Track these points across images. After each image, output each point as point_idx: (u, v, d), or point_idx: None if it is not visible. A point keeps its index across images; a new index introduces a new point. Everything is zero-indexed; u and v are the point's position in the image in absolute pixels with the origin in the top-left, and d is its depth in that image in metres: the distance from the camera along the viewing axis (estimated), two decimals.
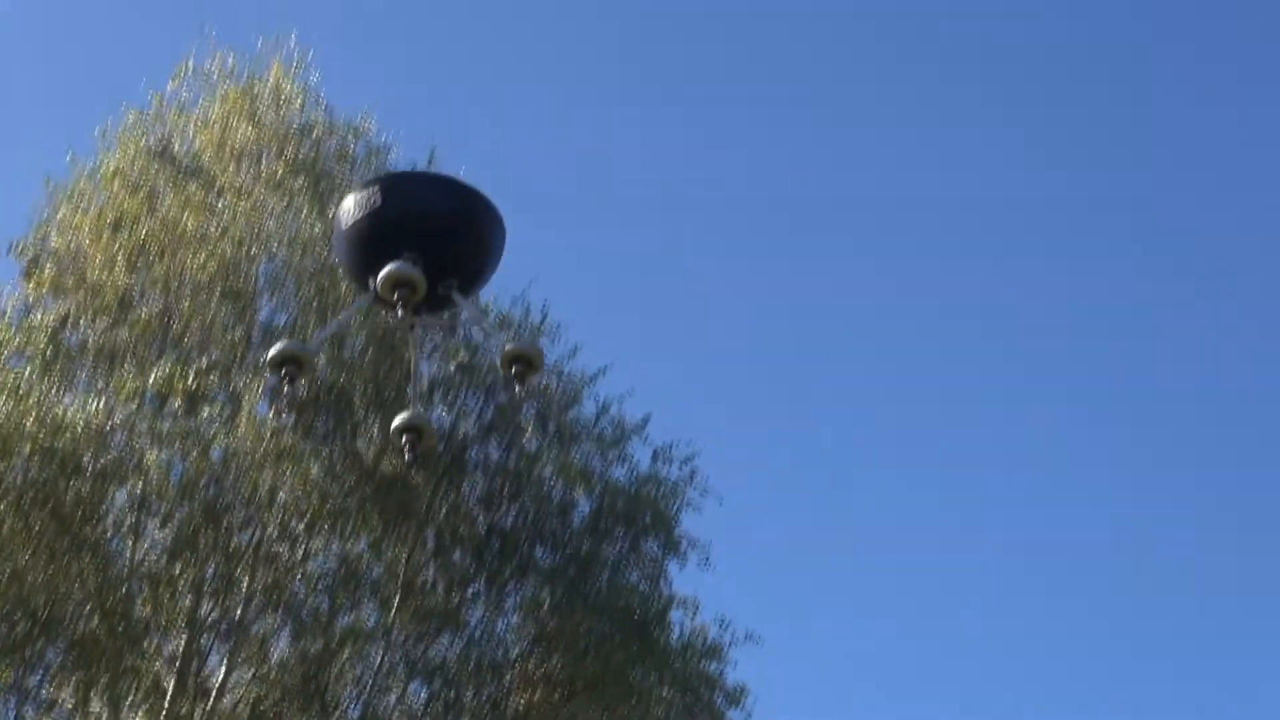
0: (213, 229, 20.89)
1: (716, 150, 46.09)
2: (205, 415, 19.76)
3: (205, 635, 19.75)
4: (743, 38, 45.83)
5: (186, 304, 20.35)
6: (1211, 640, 44.68)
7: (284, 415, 18.54)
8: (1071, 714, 42.77)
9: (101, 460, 19.36)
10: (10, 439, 18.58)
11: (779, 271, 46.30)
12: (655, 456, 22.23)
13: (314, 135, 22.26)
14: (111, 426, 19.54)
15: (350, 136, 22.19)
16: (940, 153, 46.43)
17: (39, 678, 19.14)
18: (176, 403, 19.67)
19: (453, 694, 20.57)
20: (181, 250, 20.62)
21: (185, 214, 20.91)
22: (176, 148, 21.91)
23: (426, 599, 20.67)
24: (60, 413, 19.28)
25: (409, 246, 7.23)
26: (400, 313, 7.27)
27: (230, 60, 22.51)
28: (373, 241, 7.31)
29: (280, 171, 21.53)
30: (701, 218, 45.51)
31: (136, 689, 18.88)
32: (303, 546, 20.38)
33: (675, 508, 22.08)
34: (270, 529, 20.04)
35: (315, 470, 20.21)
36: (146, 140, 21.84)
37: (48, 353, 19.79)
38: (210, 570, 19.79)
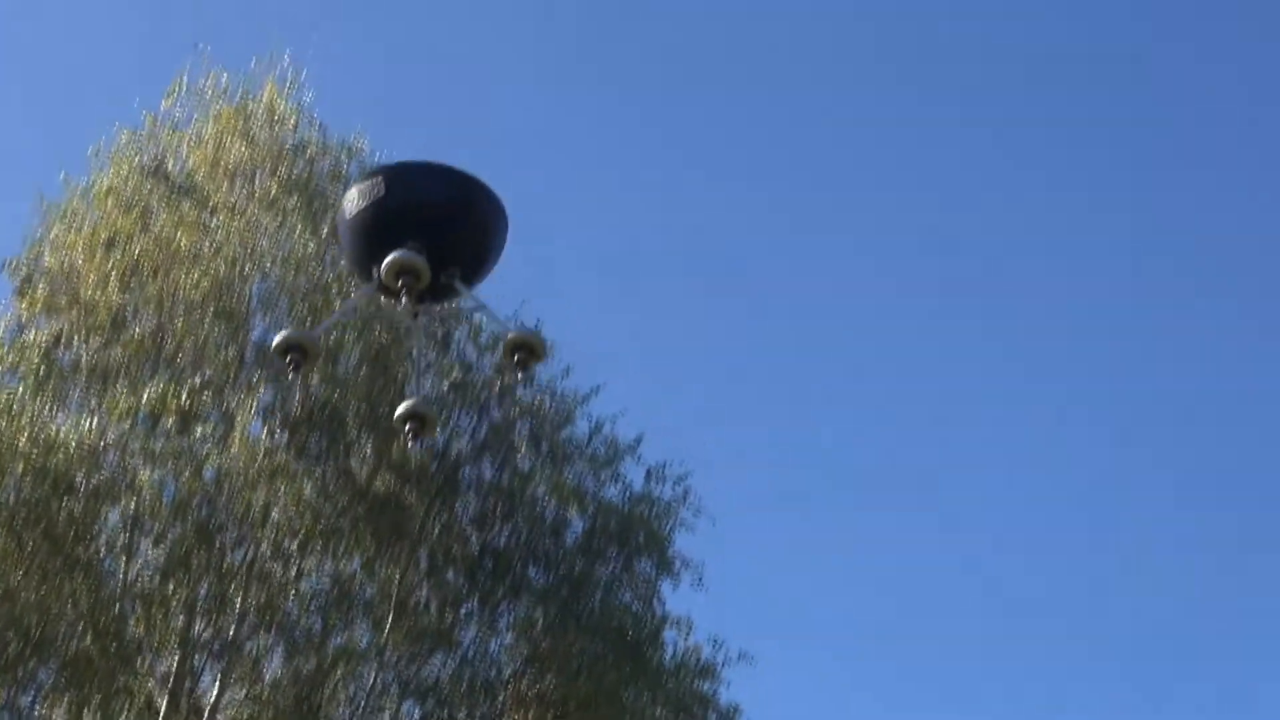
0: (206, 248, 20.88)
1: (711, 167, 46.08)
2: (198, 434, 19.74)
3: (198, 655, 19.71)
4: (743, 43, 45.88)
5: (180, 323, 20.32)
6: (1210, 640, 44.68)
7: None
8: None
9: (94, 479, 19.33)
10: (3, 458, 18.55)
11: (775, 290, 46.30)
12: (648, 476, 22.25)
13: (308, 154, 22.27)
14: (104, 445, 19.52)
15: (344, 155, 22.20)
16: (934, 161, 46.50)
17: (31, 697, 19.09)
18: (169, 422, 19.65)
19: (446, 714, 20.54)
20: (175, 269, 20.60)
21: (179, 233, 20.90)
22: (170, 166, 21.91)
23: (419, 619, 20.63)
24: (53, 432, 19.26)
25: (413, 235, 7.25)
26: (404, 301, 7.29)
27: (224, 79, 22.56)
28: (376, 231, 7.34)
29: (274, 190, 21.53)
30: (697, 235, 45.50)
31: (129, 709, 18.81)
32: (296, 566, 20.35)
33: (668, 527, 22.09)
34: (263, 548, 20.01)
35: (308, 489, 20.18)
36: (140, 159, 21.84)
37: (40, 371, 19.76)
38: (203, 589, 19.74)
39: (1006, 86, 46.64)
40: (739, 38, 45.61)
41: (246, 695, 20.00)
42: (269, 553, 20.10)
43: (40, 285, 20.62)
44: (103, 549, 19.58)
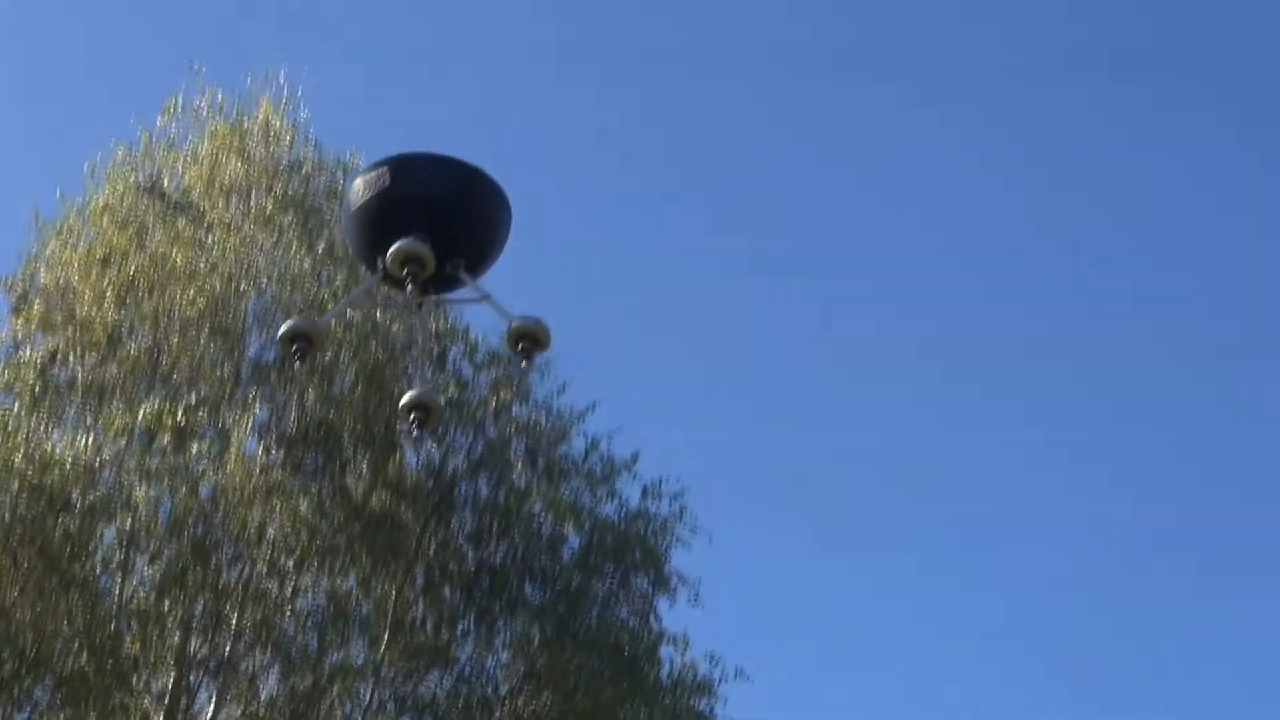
0: (202, 265, 20.89)
1: (705, 185, 46.16)
2: (194, 452, 19.71)
3: (194, 672, 19.68)
4: (743, 52, 45.96)
5: (175, 340, 20.33)
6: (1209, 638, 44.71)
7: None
8: None
9: (90, 497, 19.31)
10: None
11: (774, 307, 46.36)
12: (645, 493, 22.19)
13: (303, 171, 22.31)
14: (100, 463, 19.50)
15: (340, 172, 22.19)
16: (933, 165, 46.57)
17: (27, 715, 19.02)
18: (165, 439, 19.63)
19: None
20: (170, 286, 20.61)
21: (174, 250, 20.92)
22: (166, 184, 21.93)
23: (416, 636, 20.60)
24: (48, 449, 19.27)
25: (417, 226, 7.35)
26: (409, 289, 7.40)
27: (219, 97, 22.59)
28: (381, 221, 7.44)
29: (270, 207, 21.56)
30: (695, 251, 45.55)
31: None
32: (292, 583, 20.32)
33: (665, 544, 22.05)
34: (259, 566, 19.99)
35: (304, 507, 20.18)
36: (136, 176, 21.87)
37: (36, 389, 19.77)
38: (199, 607, 19.73)
39: (1004, 87, 46.73)
40: (739, 38, 45.67)
41: (243, 713, 19.95)
42: (265, 570, 20.08)
43: (36, 303, 20.63)
44: (98, 567, 19.55)
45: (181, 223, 21.32)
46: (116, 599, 19.35)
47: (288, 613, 20.30)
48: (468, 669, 20.82)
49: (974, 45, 46.48)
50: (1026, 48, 47.03)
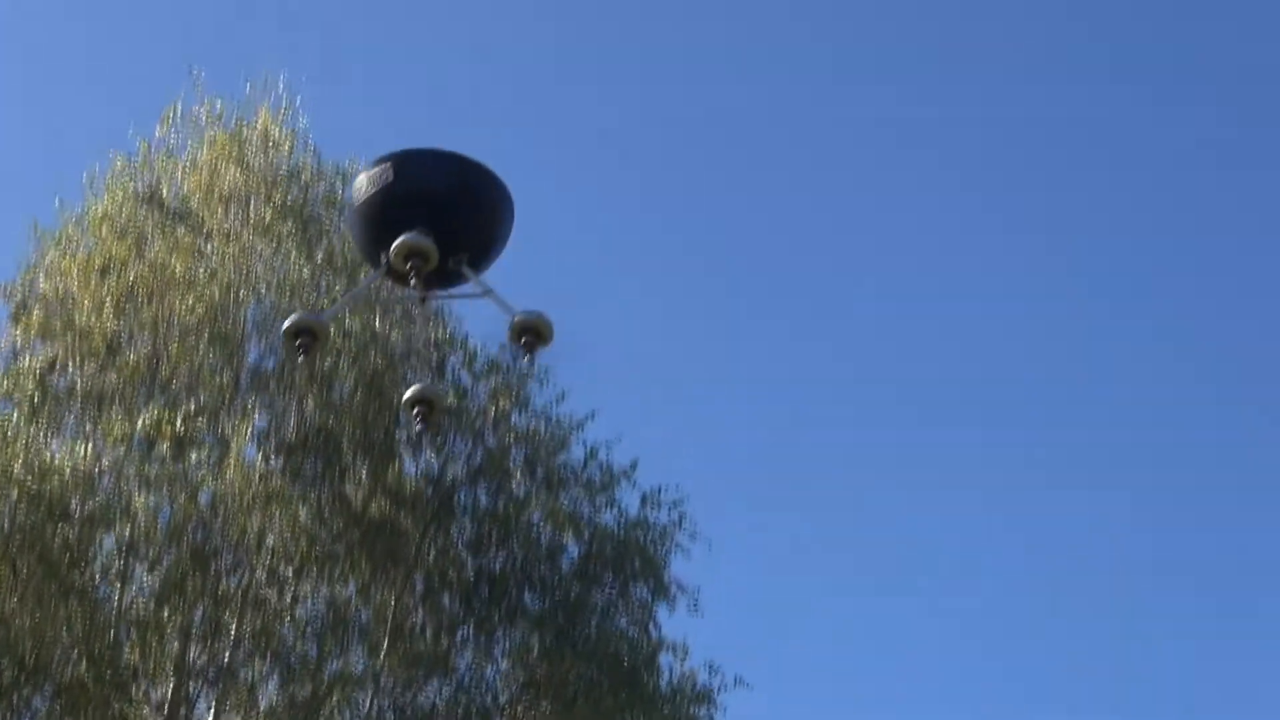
0: (201, 273, 20.90)
1: (702, 197, 46.21)
2: (193, 459, 19.73)
3: (193, 681, 19.65)
4: (744, 51, 46.03)
5: (174, 348, 20.33)
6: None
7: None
8: None
9: (89, 505, 19.31)
10: None
11: (772, 311, 46.36)
12: (644, 501, 22.19)
13: (302, 179, 22.32)
14: (99, 471, 19.50)
15: (339, 180, 22.18)
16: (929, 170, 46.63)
17: None
18: (164, 447, 19.64)
19: None
20: (169, 294, 20.62)
21: (173, 258, 20.93)
22: (164, 192, 21.94)
23: (415, 644, 20.58)
24: (48, 457, 19.28)
25: (420, 221, 7.39)
26: (413, 284, 7.46)
27: (218, 105, 22.60)
28: (384, 217, 7.48)
29: (268, 216, 21.56)
30: (694, 261, 45.62)
31: None
32: (291, 591, 20.31)
33: (664, 552, 22.04)
34: (258, 573, 19.98)
35: (303, 514, 20.16)
36: (134, 185, 21.88)
37: (35, 397, 19.78)
38: (198, 615, 19.71)
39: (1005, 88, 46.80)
40: (741, 38, 45.71)
41: None
42: (264, 578, 20.08)
43: (35, 311, 20.62)
44: (97, 575, 19.54)
45: (180, 231, 21.32)
46: (115, 607, 19.34)
47: (287, 621, 20.29)
48: (467, 678, 20.81)
49: (974, 47, 46.56)
50: (1023, 47, 47.08)
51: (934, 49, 46.33)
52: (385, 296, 21.08)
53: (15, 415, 19.50)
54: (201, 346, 20.37)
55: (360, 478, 20.58)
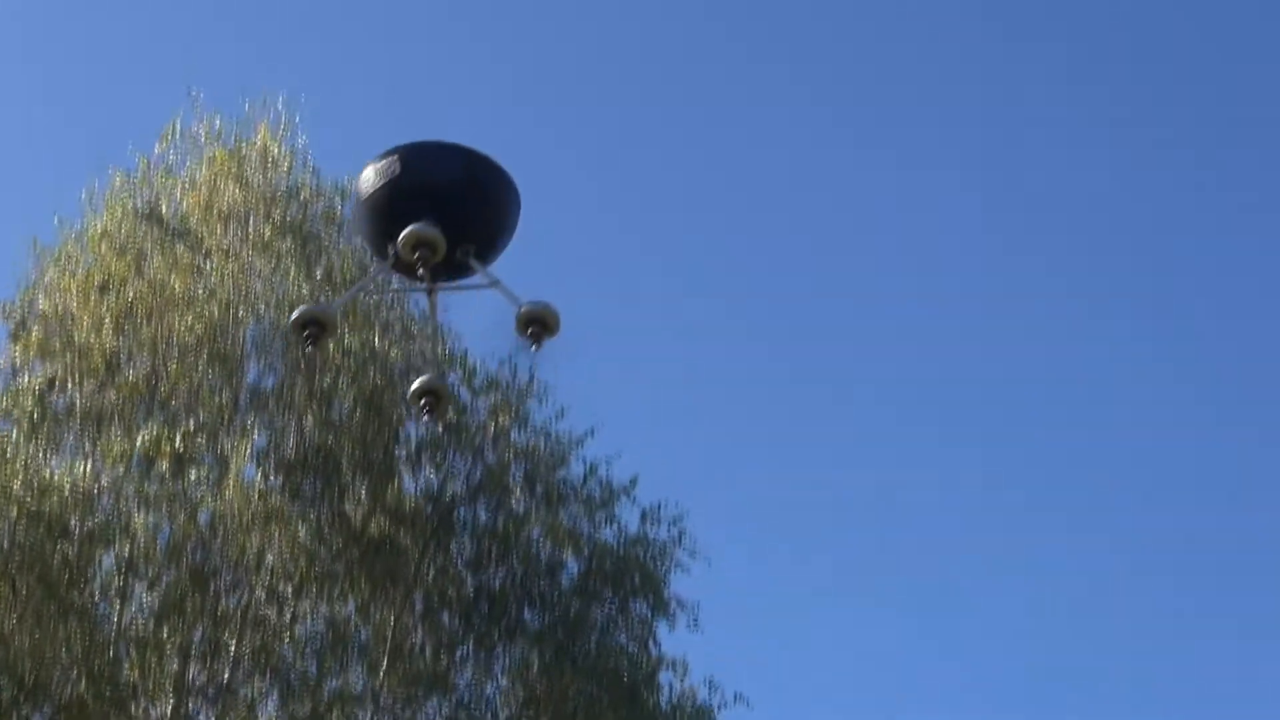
0: (200, 291, 20.91)
1: (708, 199, 46.23)
2: (192, 478, 19.74)
3: (193, 699, 19.63)
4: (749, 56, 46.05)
5: (174, 366, 20.34)
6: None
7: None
8: None
9: (88, 523, 19.31)
10: None
11: (773, 326, 46.37)
12: (644, 518, 22.18)
13: (301, 197, 22.31)
14: (98, 489, 19.51)
15: (338, 198, 22.20)
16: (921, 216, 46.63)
17: None
18: (164, 466, 19.65)
19: None
20: (169, 312, 20.62)
21: (172, 276, 20.93)
22: (164, 210, 21.94)
23: (415, 662, 20.57)
24: (47, 476, 19.28)
25: (427, 213, 7.43)
26: (420, 274, 7.50)
27: (217, 123, 22.59)
28: (391, 209, 7.51)
29: (268, 233, 21.56)
30: (693, 277, 45.59)
31: None
32: (290, 610, 20.30)
33: (664, 569, 22.04)
34: (258, 592, 19.98)
35: (303, 533, 20.16)
36: (134, 203, 21.88)
37: (34, 416, 19.78)
38: (198, 634, 19.70)
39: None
40: (744, 37, 45.73)
41: None
42: (264, 597, 20.07)
43: (34, 329, 20.63)
44: (97, 593, 19.54)
45: (180, 249, 21.33)
46: (115, 626, 19.33)
47: (286, 639, 20.27)
48: (467, 695, 20.80)
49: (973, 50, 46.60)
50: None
51: (939, 56, 46.37)
52: (385, 316, 21.29)
53: (15, 434, 19.51)
54: (201, 365, 20.38)
55: (359, 496, 20.58)
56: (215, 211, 21.72)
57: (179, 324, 20.50)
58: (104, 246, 21.36)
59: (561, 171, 42.85)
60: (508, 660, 21.11)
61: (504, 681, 21.05)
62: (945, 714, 42.53)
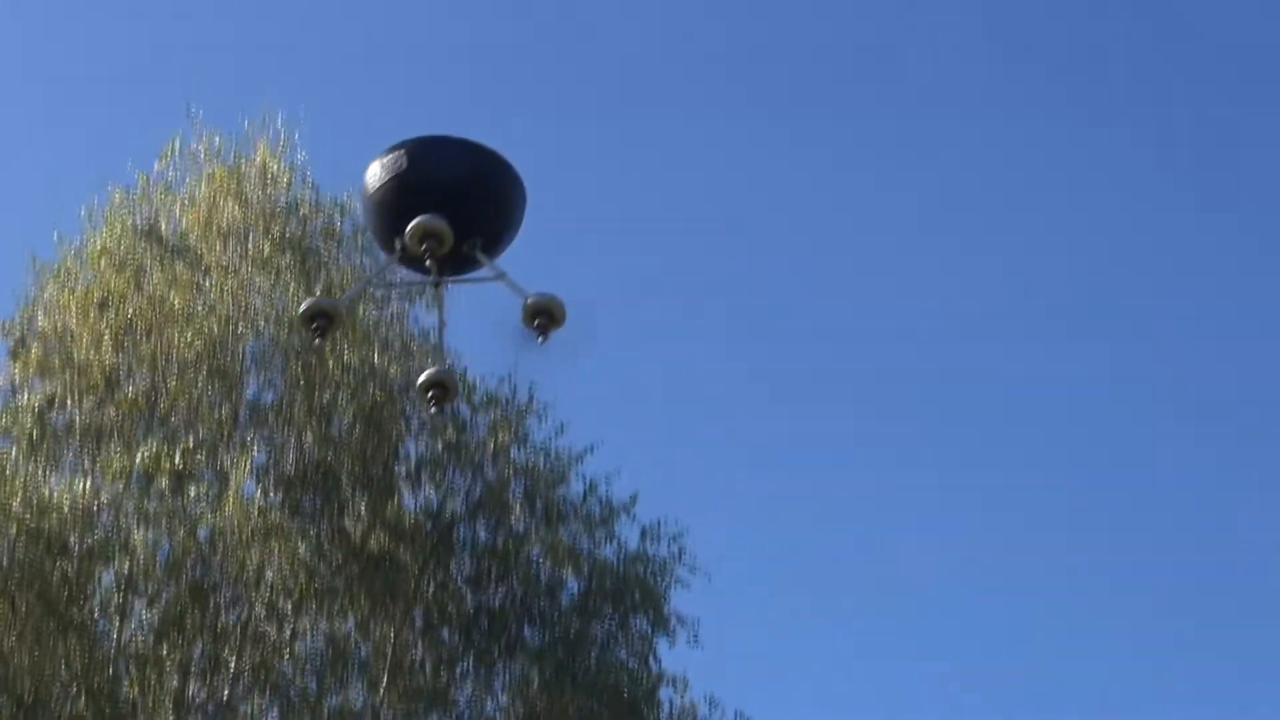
0: (199, 307, 20.91)
1: (708, 215, 46.22)
2: (192, 494, 19.74)
3: (192, 716, 19.59)
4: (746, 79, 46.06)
5: (173, 382, 20.34)
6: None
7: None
8: None
9: (88, 540, 19.31)
10: None
11: (771, 342, 46.35)
12: (643, 535, 22.17)
13: (300, 213, 22.31)
14: (98, 506, 19.51)
15: (337, 214, 22.23)
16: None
17: None
18: (163, 482, 19.65)
19: None
20: (168, 329, 20.63)
21: (172, 292, 20.94)
22: (163, 227, 21.95)
23: (415, 678, 20.54)
24: (46, 493, 19.28)
25: (433, 207, 7.42)
26: (427, 267, 7.50)
27: (217, 140, 22.59)
28: (398, 203, 7.51)
29: (267, 249, 21.56)
30: (691, 293, 45.57)
31: None
32: (290, 626, 20.28)
33: (664, 585, 22.02)
34: (257, 608, 19.96)
35: (303, 549, 20.15)
36: (133, 219, 21.88)
37: (34, 434, 19.78)
38: (197, 650, 19.68)
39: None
40: (745, 38, 45.73)
41: None
42: (263, 613, 20.05)
43: (34, 347, 20.62)
44: (96, 610, 19.53)
45: (179, 265, 21.33)
46: (115, 642, 19.31)
47: (286, 656, 20.24)
48: (467, 712, 20.78)
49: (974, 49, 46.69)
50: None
51: (941, 56, 46.37)
52: (385, 333, 21.30)
53: (14, 451, 19.53)
54: (200, 381, 20.38)
55: (359, 512, 20.57)
56: (215, 228, 21.73)
57: (178, 340, 20.49)
58: (103, 263, 21.36)
59: (568, 161, 42.89)
60: (508, 677, 21.08)
61: (504, 698, 21.02)
62: None
